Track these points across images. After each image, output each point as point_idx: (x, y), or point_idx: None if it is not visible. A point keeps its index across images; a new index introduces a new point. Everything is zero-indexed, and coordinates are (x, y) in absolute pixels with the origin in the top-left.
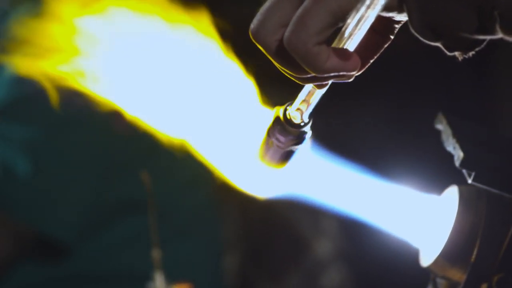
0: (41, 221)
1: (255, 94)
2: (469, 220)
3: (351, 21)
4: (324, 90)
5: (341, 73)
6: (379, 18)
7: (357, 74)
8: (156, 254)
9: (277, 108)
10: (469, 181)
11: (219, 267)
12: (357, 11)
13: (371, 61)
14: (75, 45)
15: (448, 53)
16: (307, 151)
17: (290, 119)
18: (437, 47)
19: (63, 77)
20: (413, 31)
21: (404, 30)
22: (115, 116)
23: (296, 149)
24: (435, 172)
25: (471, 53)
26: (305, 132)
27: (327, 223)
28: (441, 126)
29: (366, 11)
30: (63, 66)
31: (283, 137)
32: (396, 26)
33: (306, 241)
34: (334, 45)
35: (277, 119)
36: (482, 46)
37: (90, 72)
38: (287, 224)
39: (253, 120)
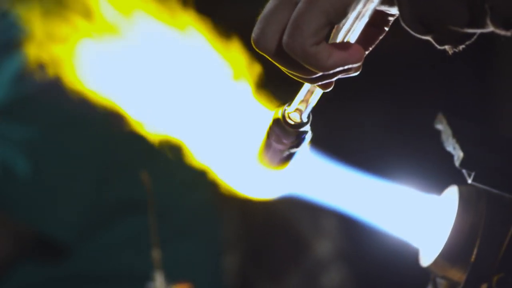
0: (41, 221)
1: (254, 95)
2: (469, 220)
3: (350, 16)
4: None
5: (346, 67)
6: (373, 11)
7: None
8: (156, 254)
9: (276, 109)
10: (469, 181)
11: (219, 267)
12: (355, 7)
13: (367, 52)
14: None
15: (438, 47)
16: (307, 152)
17: (289, 120)
18: (436, 49)
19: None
20: (403, 24)
21: (405, 32)
22: (115, 116)
23: (296, 149)
24: (435, 172)
25: (461, 47)
26: (304, 132)
27: (327, 223)
28: (441, 126)
29: (364, 6)
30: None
31: (283, 138)
32: (391, 18)
33: (306, 241)
34: (334, 40)
35: (276, 120)
36: (473, 39)
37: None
38: (287, 224)
39: (252, 121)
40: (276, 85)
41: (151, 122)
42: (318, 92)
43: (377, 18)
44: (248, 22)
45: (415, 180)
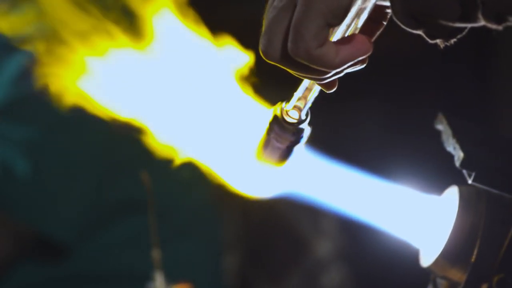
0: (41, 221)
1: (252, 93)
2: (469, 221)
3: (350, 13)
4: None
5: (355, 60)
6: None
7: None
8: (156, 254)
9: (275, 106)
10: (469, 181)
11: (219, 267)
12: (354, 4)
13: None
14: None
15: (430, 41)
16: (307, 151)
17: (288, 117)
18: (436, 49)
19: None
20: (395, 18)
21: (405, 33)
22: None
23: (295, 146)
24: (435, 172)
25: (452, 41)
26: (303, 130)
27: (327, 223)
28: (442, 126)
29: (363, 3)
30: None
31: (282, 135)
32: (388, 11)
33: (306, 241)
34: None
35: (275, 117)
36: (464, 33)
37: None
38: (287, 224)
39: (250, 119)
40: (273, 83)
41: (148, 122)
42: (317, 89)
43: (375, 12)
44: (247, 21)
45: (415, 180)
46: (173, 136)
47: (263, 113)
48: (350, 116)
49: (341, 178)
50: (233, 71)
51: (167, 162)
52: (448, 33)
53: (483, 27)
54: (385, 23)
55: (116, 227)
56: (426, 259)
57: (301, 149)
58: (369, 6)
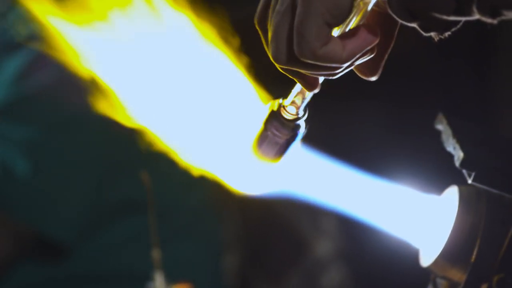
0: (41, 221)
1: (248, 89)
2: (469, 221)
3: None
4: (321, 81)
5: (363, 51)
6: (381, 18)
7: (374, 79)
8: (156, 254)
9: (272, 101)
10: (469, 181)
11: (219, 267)
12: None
13: (383, 63)
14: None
15: (424, 34)
16: (307, 151)
17: (286, 113)
18: (436, 49)
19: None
20: (390, 11)
21: (405, 33)
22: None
23: (292, 142)
24: (435, 172)
25: (447, 34)
26: (300, 125)
27: (327, 223)
28: (442, 126)
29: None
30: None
31: (279, 131)
32: (396, 24)
33: (306, 241)
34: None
35: (272, 112)
36: (458, 27)
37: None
38: (287, 224)
39: (245, 114)
40: (269, 79)
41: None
42: None
43: (385, 25)
44: (247, 20)
45: (415, 180)
46: (165, 131)
47: (258, 108)
48: (350, 116)
49: (341, 177)
50: (228, 65)
51: (167, 162)
52: (443, 26)
53: (483, 28)
54: (394, 36)
55: (116, 227)
56: (426, 259)
57: (297, 146)
58: (370, 3)
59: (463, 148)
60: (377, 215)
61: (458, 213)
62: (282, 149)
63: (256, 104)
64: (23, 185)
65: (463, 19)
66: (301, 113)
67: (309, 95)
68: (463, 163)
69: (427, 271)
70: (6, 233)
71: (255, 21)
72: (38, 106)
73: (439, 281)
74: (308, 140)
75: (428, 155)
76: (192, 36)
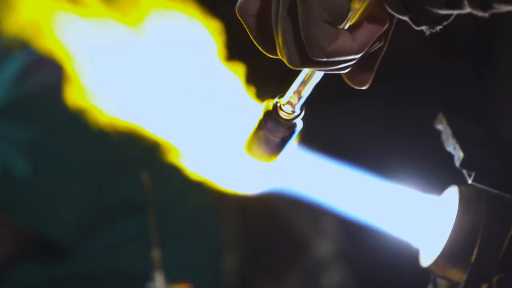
0: (41, 221)
1: (241, 88)
2: (469, 221)
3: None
4: (317, 80)
5: (375, 38)
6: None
7: (365, 88)
8: (156, 254)
9: (268, 100)
10: (469, 181)
11: (219, 267)
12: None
13: (374, 71)
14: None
15: (416, 28)
16: (307, 151)
17: (282, 111)
18: (437, 49)
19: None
20: (385, 5)
21: (406, 33)
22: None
23: (287, 141)
24: (435, 172)
25: (438, 28)
26: (296, 124)
27: (327, 223)
28: (441, 126)
29: None
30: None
31: (274, 129)
32: (389, 29)
33: (306, 241)
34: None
35: (268, 110)
36: (449, 20)
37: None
38: (287, 224)
39: (239, 113)
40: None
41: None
42: (312, 84)
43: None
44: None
45: (415, 180)
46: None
47: (251, 107)
48: (350, 116)
49: (341, 178)
50: (221, 67)
51: (167, 162)
52: (434, 20)
53: (483, 27)
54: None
55: (116, 227)
56: (426, 259)
57: (292, 145)
58: None
59: (463, 148)
60: (377, 215)
61: (458, 213)
62: (276, 149)
63: (250, 104)
64: (23, 185)
65: (455, 12)
66: (297, 111)
67: (306, 93)
68: (463, 163)
69: (427, 271)
70: (6, 233)
71: (237, 11)
72: (38, 106)
73: (439, 281)
74: (308, 140)
75: (428, 155)
76: (185, 38)
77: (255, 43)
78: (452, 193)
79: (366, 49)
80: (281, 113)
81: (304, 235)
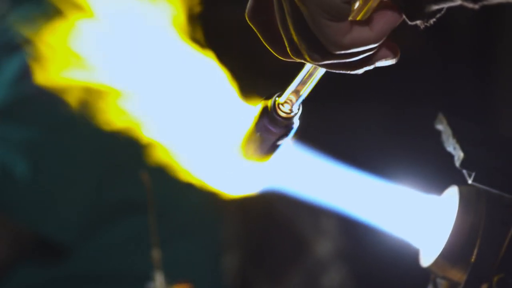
0: (41, 222)
1: (233, 90)
2: (469, 221)
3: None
4: (317, 79)
5: (392, 28)
6: None
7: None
8: (156, 254)
9: (265, 99)
10: (469, 181)
11: (219, 267)
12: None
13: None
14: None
15: (410, 22)
16: (307, 151)
17: (280, 110)
18: (438, 49)
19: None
20: None
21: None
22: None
23: (283, 140)
24: (435, 172)
25: (432, 21)
26: (293, 123)
27: (327, 223)
28: (442, 126)
29: None
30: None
31: (272, 128)
32: None
33: (306, 241)
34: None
35: (265, 109)
36: (442, 13)
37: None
38: (287, 224)
39: (232, 115)
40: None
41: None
42: (311, 84)
43: None
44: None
45: (415, 180)
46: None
47: (245, 108)
48: (350, 116)
49: (341, 178)
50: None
51: (159, 164)
52: (428, 14)
53: (483, 28)
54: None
55: (116, 227)
56: (426, 259)
57: (289, 145)
58: None
59: (463, 148)
60: (378, 215)
61: (458, 213)
62: (273, 147)
63: (243, 105)
64: (22, 186)
65: (447, 5)
66: (295, 110)
67: (305, 93)
68: (463, 163)
69: (427, 271)
70: (6, 235)
71: (247, 17)
72: (38, 106)
73: (439, 281)
74: (308, 140)
75: (428, 155)
76: (176, 37)
77: (268, 47)
78: (452, 193)
79: (384, 38)
80: (279, 112)
81: (304, 235)
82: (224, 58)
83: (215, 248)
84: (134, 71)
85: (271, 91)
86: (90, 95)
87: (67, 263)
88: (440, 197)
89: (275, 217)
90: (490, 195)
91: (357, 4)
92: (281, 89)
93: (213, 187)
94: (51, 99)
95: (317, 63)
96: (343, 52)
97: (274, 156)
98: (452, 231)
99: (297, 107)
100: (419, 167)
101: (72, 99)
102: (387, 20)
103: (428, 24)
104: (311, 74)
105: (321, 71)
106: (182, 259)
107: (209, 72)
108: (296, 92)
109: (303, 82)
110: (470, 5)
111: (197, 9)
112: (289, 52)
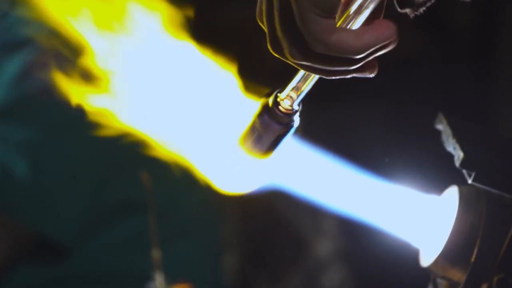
0: (41, 222)
1: (235, 86)
2: (469, 220)
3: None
4: (317, 76)
5: (380, 45)
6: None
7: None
8: (156, 254)
9: (266, 95)
10: (469, 181)
11: (219, 267)
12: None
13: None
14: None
15: (400, 10)
16: (306, 151)
17: (281, 107)
18: (438, 49)
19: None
20: None
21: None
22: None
23: (283, 137)
24: (435, 172)
25: (422, 10)
26: (293, 120)
27: (327, 223)
28: (442, 126)
29: None
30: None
31: (271, 124)
32: None
33: (306, 241)
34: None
35: (266, 105)
36: (432, 2)
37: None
38: (287, 224)
39: (233, 112)
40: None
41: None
42: (311, 81)
43: None
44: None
45: (415, 180)
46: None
47: (245, 104)
48: (351, 116)
49: (341, 177)
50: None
51: (167, 162)
52: (418, 2)
53: (483, 27)
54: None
55: (116, 227)
56: (426, 259)
57: (289, 142)
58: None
59: (463, 148)
60: (378, 215)
61: (458, 213)
62: (273, 144)
63: (244, 101)
64: (23, 186)
65: None
66: (295, 107)
67: (305, 90)
68: (463, 163)
69: (427, 271)
70: (6, 235)
71: (258, 18)
72: (38, 106)
73: (439, 281)
74: (308, 139)
75: (428, 155)
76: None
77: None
78: (452, 193)
79: (369, 51)
80: (280, 108)
81: (304, 235)
82: (225, 56)
83: (215, 248)
84: (136, 70)
85: (272, 89)
86: (90, 94)
87: (67, 263)
88: (440, 197)
89: (275, 217)
90: (490, 195)
91: (352, 9)
92: (282, 87)
93: (213, 183)
94: (51, 99)
95: (295, 61)
96: (325, 53)
97: (274, 153)
98: (452, 231)
99: (298, 104)
100: (419, 167)
101: (72, 100)
102: (378, 35)
103: (418, 13)
104: None
105: None
106: (182, 259)
107: (210, 68)
108: (297, 89)
109: (304, 79)
110: None
111: (197, 8)
112: (269, 47)
